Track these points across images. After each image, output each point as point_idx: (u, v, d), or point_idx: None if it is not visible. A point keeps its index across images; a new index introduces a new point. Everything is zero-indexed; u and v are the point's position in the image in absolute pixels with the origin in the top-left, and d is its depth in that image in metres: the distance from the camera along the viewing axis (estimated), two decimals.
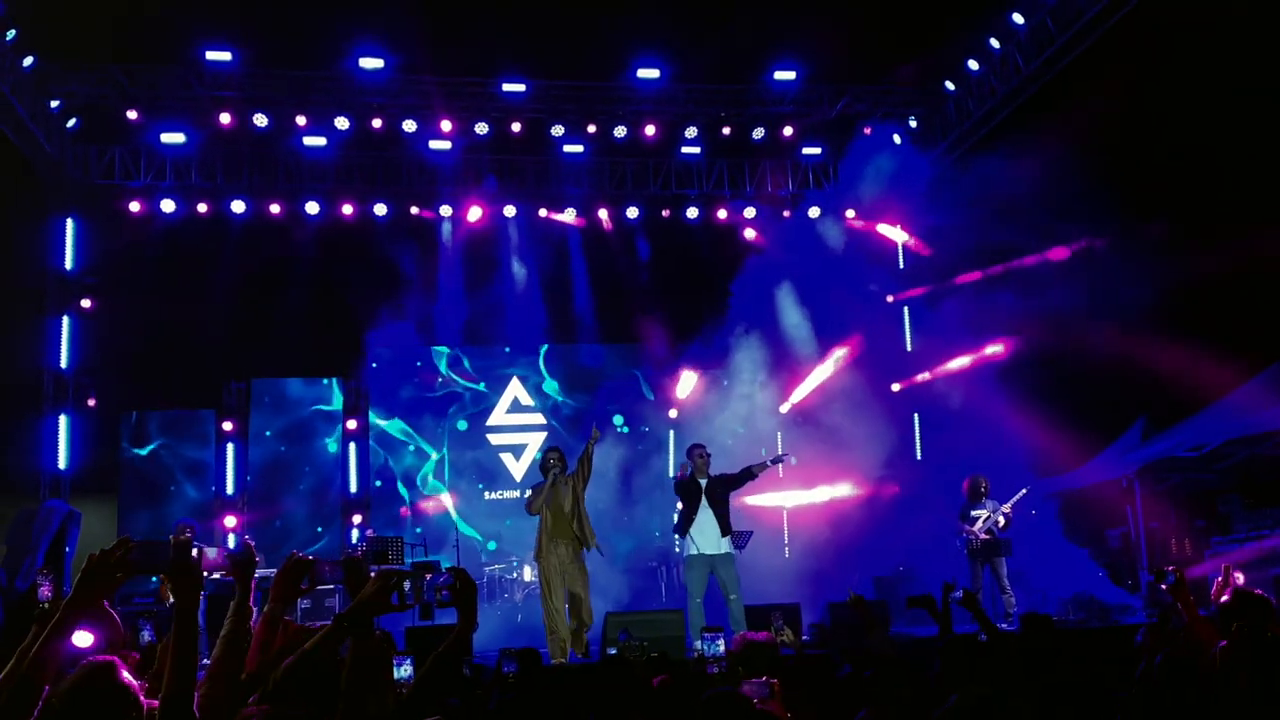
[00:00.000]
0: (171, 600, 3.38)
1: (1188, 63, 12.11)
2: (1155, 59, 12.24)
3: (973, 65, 15.03)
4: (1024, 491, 12.51)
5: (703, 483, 11.13)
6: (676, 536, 12.08)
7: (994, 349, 15.21)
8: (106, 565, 3.06)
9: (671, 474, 16.64)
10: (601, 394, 17.29)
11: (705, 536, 10.93)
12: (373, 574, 3.46)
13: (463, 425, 16.99)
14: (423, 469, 16.76)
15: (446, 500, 16.46)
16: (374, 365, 16.94)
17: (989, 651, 4.62)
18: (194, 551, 3.20)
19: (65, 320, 15.85)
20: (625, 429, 17.09)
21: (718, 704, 3.75)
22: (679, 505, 13.73)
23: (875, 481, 15.59)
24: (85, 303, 15.97)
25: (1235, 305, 11.93)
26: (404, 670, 4.17)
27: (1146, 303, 12.37)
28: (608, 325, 17.19)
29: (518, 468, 16.98)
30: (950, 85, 15.71)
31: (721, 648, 5.23)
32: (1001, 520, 12.16)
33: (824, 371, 16.24)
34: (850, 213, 17.53)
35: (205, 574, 3.27)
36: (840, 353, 16.13)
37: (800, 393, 16.46)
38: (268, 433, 16.53)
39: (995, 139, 15.35)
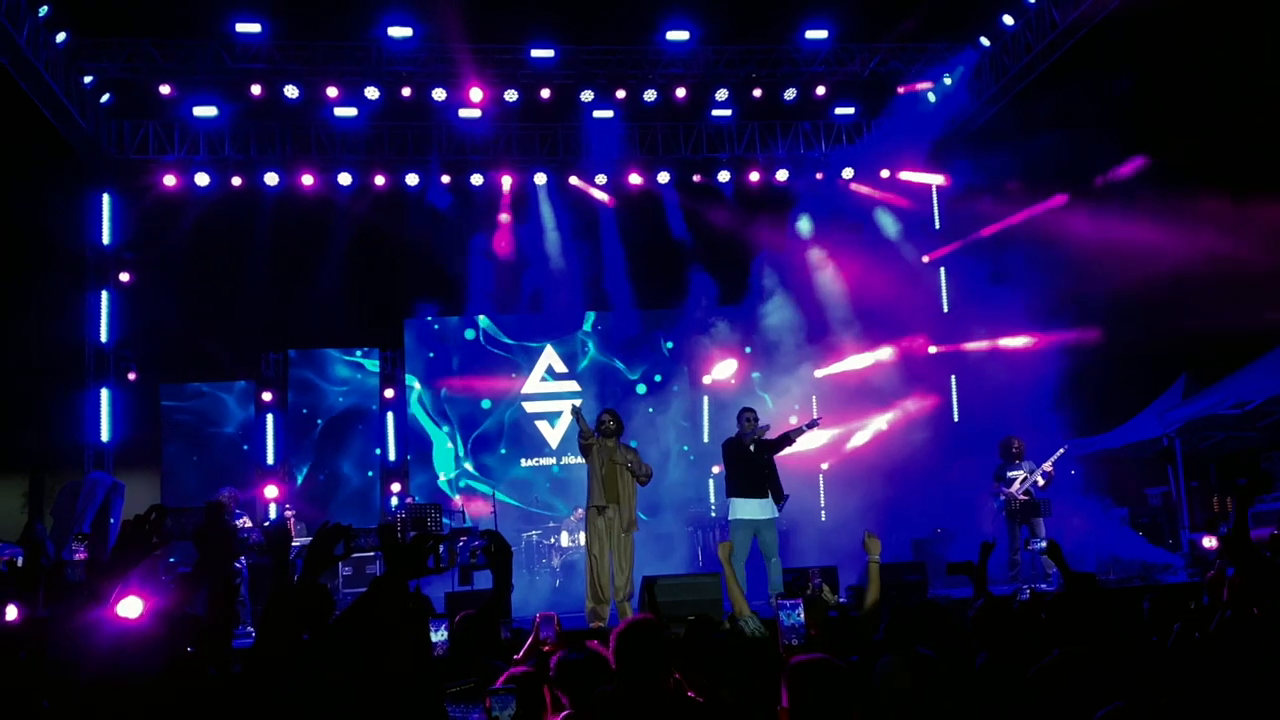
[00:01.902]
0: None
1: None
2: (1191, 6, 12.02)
3: (1007, 20, 14.78)
4: (1062, 450, 12.40)
5: (751, 447, 11.09)
6: (712, 501, 12.05)
7: (1026, 323, 15.09)
8: (140, 532, 3.10)
9: (706, 439, 16.68)
10: (635, 359, 17.31)
11: (752, 501, 10.90)
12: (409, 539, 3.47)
13: (487, 404, 17.04)
14: (457, 436, 16.86)
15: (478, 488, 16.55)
16: (410, 334, 17.03)
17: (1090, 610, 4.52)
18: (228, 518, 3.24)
19: (104, 295, 16.02)
20: (658, 391, 17.06)
21: (808, 674, 3.29)
22: (715, 469, 13.68)
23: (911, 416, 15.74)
24: (124, 276, 16.14)
25: None
26: (439, 634, 4.17)
27: (1186, 255, 12.20)
28: (640, 291, 17.14)
29: (553, 435, 17.04)
30: (985, 41, 15.46)
31: (801, 617, 4.90)
32: (1041, 480, 12.08)
33: (863, 360, 16.22)
34: (884, 172, 17.40)
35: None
36: (880, 353, 16.13)
37: (838, 367, 16.43)
38: (304, 404, 16.68)
39: (1030, 95, 15.12)
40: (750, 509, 10.86)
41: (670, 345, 17.35)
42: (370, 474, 16.71)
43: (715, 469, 16.15)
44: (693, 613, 8.11)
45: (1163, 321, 13.24)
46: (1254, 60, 11.82)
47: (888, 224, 17.37)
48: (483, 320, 17.16)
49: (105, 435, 15.65)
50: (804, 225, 17.25)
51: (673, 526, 15.22)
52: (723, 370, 16.65)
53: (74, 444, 15.56)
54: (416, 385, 16.91)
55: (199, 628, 3.52)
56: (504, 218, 17.02)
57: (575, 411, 10.81)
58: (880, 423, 16.01)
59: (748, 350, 16.75)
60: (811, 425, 11.54)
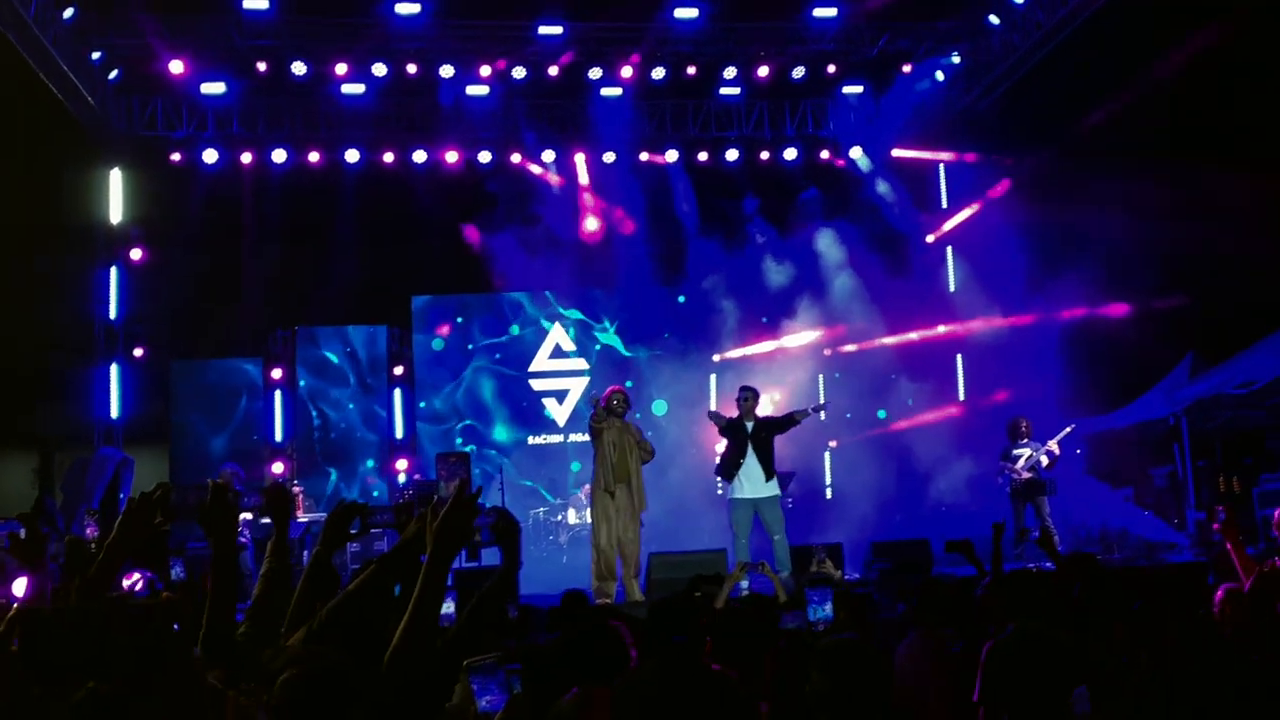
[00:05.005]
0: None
1: None
2: None
3: None
4: (1069, 429, 12.43)
5: (749, 425, 11.11)
6: (719, 479, 12.11)
7: (1034, 301, 15.06)
8: (146, 509, 3.16)
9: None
10: (642, 337, 17.32)
11: (750, 479, 10.96)
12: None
13: (493, 381, 17.06)
14: (462, 413, 16.92)
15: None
16: (417, 311, 17.07)
17: (1039, 586, 4.61)
18: (230, 495, 3.29)
19: (114, 271, 16.09)
20: (664, 369, 17.06)
21: (840, 656, 3.26)
22: (719, 446, 13.69)
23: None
24: (135, 253, 16.18)
25: None
26: (446, 607, 4.22)
27: (1193, 233, 12.18)
28: (648, 269, 17.05)
29: (560, 412, 17.09)
30: (994, 19, 15.36)
31: (829, 611, 4.75)
32: (1045, 460, 12.11)
33: (870, 339, 16.28)
34: (893, 151, 17.36)
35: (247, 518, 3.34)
36: (886, 332, 16.18)
37: (845, 346, 16.47)
38: (312, 380, 16.73)
39: (1040, 73, 15.03)
40: (749, 487, 10.92)
41: (677, 323, 17.29)
42: (379, 451, 16.77)
43: (719, 446, 16.18)
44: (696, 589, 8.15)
45: (1171, 297, 13.24)
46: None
47: (895, 203, 17.33)
48: (489, 298, 17.17)
49: (115, 411, 15.75)
50: (811, 204, 17.23)
51: (679, 503, 15.23)
52: (732, 351, 16.68)
53: (84, 420, 15.66)
54: (423, 362, 16.96)
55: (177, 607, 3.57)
56: (511, 195, 16.97)
57: (589, 401, 10.88)
58: (887, 405, 16.07)
59: (755, 328, 16.72)
60: (818, 409, 11.58)
